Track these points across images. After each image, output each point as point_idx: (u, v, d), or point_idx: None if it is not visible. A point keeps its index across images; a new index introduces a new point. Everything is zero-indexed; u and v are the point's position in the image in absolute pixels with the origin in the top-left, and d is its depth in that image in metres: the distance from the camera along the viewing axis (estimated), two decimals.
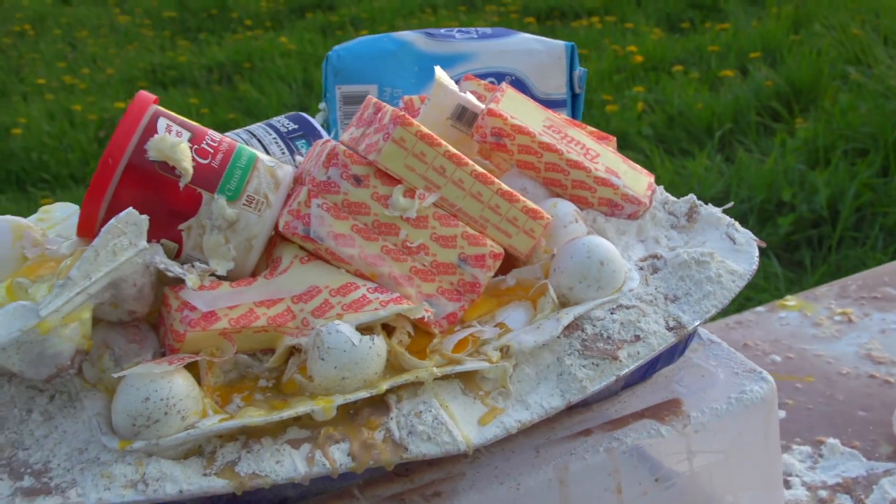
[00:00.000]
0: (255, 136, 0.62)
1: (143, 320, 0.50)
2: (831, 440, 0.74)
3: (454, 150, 0.53)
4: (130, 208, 0.47)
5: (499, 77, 0.70)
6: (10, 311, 0.45)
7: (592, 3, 4.90)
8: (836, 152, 2.51)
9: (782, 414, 0.78)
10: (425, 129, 0.52)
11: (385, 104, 0.53)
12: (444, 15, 5.03)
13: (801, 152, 2.64)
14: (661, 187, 0.62)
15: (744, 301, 1.89)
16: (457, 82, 0.63)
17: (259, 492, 0.48)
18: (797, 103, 3.09)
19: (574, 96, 0.72)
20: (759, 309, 0.95)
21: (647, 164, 2.71)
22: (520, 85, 0.70)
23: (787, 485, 0.70)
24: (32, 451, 0.46)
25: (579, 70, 0.72)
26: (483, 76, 0.69)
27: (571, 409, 0.55)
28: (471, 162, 0.53)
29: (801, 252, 2.29)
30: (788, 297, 0.96)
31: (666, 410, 0.55)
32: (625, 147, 2.94)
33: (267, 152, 0.61)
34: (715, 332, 0.89)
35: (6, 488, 0.44)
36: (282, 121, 0.64)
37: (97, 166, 0.49)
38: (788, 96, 3.13)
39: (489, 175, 0.53)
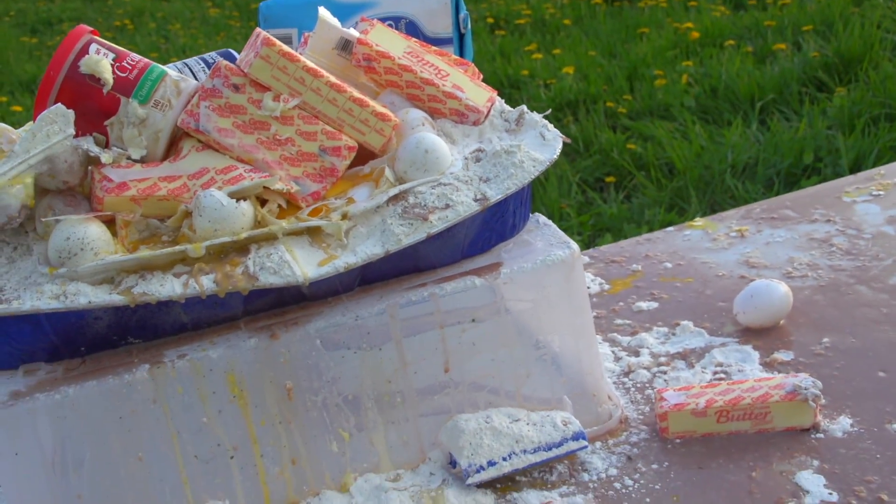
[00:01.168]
0: (188, 65, 0.79)
1: (77, 191, 0.68)
2: (686, 322, 0.87)
3: (312, 65, 0.69)
4: (59, 104, 0.64)
5: (395, 20, 0.85)
6: None
7: None
8: (864, 118, 2.56)
9: (654, 305, 0.92)
10: (286, 48, 0.68)
11: (262, 31, 0.70)
12: None
13: (835, 119, 2.69)
14: (502, 100, 0.77)
15: None
16: (356, 25, 0.79)
17: (161, 319, 0.66)
18: (844, 73, 3.12)
19: (461, 35, 0.86)
20: (670, 228, 1.08)
21: (683, 134, 2.81)
22: (412, 27, 0.85)
23: (637, 354, 0.84)
24: None
25: (463, 13, 0.86)
26: (383, 19, 0.85)
27: (420, 272, 0.71)
28: (326, 74, 0.69)
29: None
30: (697, 218, 1.09)
31: (486, 269, 0.70)
32: (667, 118, 3.04)
33: (195, 77, 0.78)
34: (625, 246, 1.04)
35: None
36: (213, 55, 0.81)
37: (42, 79, 0.67)
38: (837, 67, 3.16)
39: (343, 85, 0.70)
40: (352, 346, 0.67)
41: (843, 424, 0.71)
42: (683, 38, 3.80)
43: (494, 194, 0.68)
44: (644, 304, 0.92)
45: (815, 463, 0.68)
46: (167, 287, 0.63)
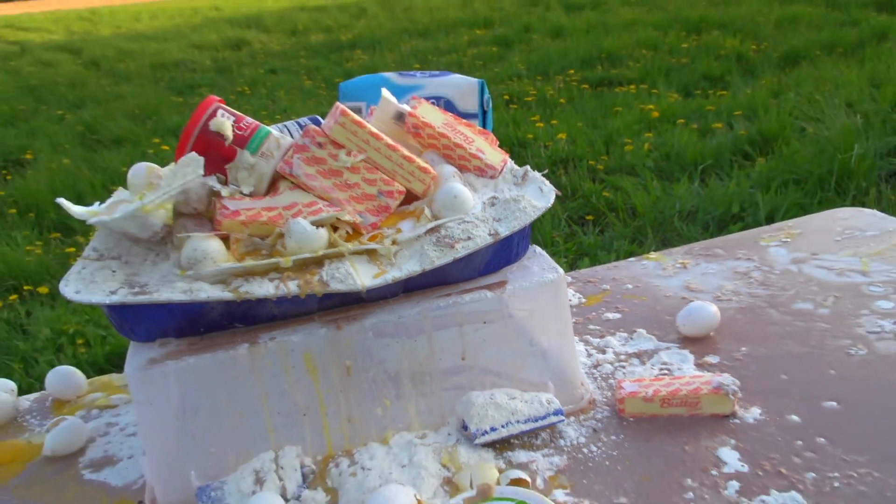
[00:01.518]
0: (286, 126, 0.79)
1: (204, 215, 0.68)
2: (640, 330, 0.86)
3: (374, 130, 0.68)
4: (194, 152, 0.64)
5: (437, 99, 0.85)
6: (125, 204, 0.63)
7: (633, 75, 4.93)
8: (777, 181, 2.52)
9: (618, 316, 0.90)
10: (357, 118, 0.68)
11: (340, 105, 0.69)
12: (526, 82, 5.14)
13: (756, 181, 2.66)
14: (511, 160, 0.76)
15: None
16: (408, 101, 0.79)
17: (257, 311, 0.66)
18: (764, 147, 3.09)
19: (484, 112, 0.86)
20: (632, 259, 1.06)
21: (644, 186, 2.78)
22: (449, 104, 0.85)
23: (604, 352, 0.82)
24: (142, 276, 0.64)
25: (487, 96, 0.86)
26: (428, 98, 0.85)
27: (447, 285, 0.70)
28: (385, 137, 0.69)
29: None
30: (652, 252, 1.07)
31: (495, 285, 0.69)
32: (632, 174, 3.01)
33: (291, 135, 0.78)
34: (598, 271, 1.02)
35: (125, 291, 0.62)
36: (305, 120, 0.81)
37: (182, 133, 0.67)
38: (759, 142, 3.13)
39: (396, 146, 0.69)
40: (395, 336, 0.66)
41: (754, 413, 0.69)
42: (647, 116, 3.78)
43: (504, 231, 0.67)
44: (610, 315, 0.91)
45: (732, 442, 0.66)
46: (263, 288, 0.62)
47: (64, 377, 0.81)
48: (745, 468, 0.62)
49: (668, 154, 3.09)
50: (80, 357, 1.96)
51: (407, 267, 0.65)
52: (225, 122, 0.67)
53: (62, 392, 0.81)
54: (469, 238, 0.66)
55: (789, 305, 0.88)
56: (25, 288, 2.51)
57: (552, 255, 2.35)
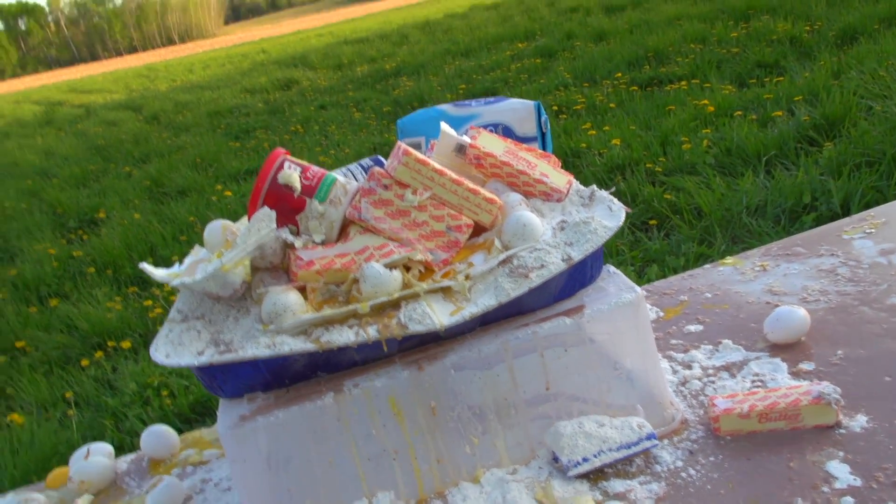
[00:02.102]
0: (350, 170, 0.80)
1: (280, 267, 0.69)
2: (726, 341, 0.83)
3: (438, 167, 0.69)
4: (265, 206, 0.66)
5: (495, 126, 0.85)
6: (204, 264, 0.65)
7: (683, 71, 4.83)
8: (848, 165, 2.42)
9: (700, 328, 0.88)
10: (420, 156, 0.68)
11: (402, 143, 0.70)
12: (574, 90, 5.10)
13: (826, 167, 2.55)
14: (577, 181, 0.75)
15: None
16: (466, 132, 0.79)
17: (339, 358, 0.66)
18: (830, 131, 2.97)
19: (542, 134, 0.85)
20: (707, 266, 1.03)
21: (707, 185, 2.71)
22: (508, 130, 0.84)
23: (690, 367, 0.80)
24: (226, 334, 0.66)
25: (544, 118, 0.85)
26: (486, 126, 0.85)
27: (523, 314, 0.70)
28: (448, 172, 0.69)
29: None
30: (728, 257, 1.04)
31: (573, 311, 0.68)
32: (693, 173, 2.94)
33: (355, 178, 0.80)
34: (672, 282, 1.00)
35: (212, 351, 0.64)
36: (367, 161, 0.82)
37: (253, 189, 0.69)
38: (823, 127, 3.02)
39: (461, 179, 0.69)
40: (477, 371, 0.66)
41: (860, 421, 0.66)
42: (701, 112, 3.68)
43: (577, 255, 0.66)
44: (692, 327, 0.88)
45: (841, 454, 0.63)
46: (344, 336, 0.63)
47: (158, 437, 0.84)
48: (858, 482, 0.59)
49: (728, 149, 3.00)
50: (167, 408, 2.03)
51: (483, 301, 0.64)
52: (292, 174, 0.69)
53: (157, 451, 0.84)
54: (542, 266, 0.65)
55: (883, 301, 0.84)
56: (110, 344, 2.62)
57: (618, 265, 2.31)
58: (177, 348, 0.64)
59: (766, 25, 5.30)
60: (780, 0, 6.07)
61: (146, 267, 0.71)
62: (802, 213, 2.35)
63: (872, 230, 1.00)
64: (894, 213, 1.03)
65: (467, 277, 0.66)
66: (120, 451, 0.90)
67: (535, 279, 0.65)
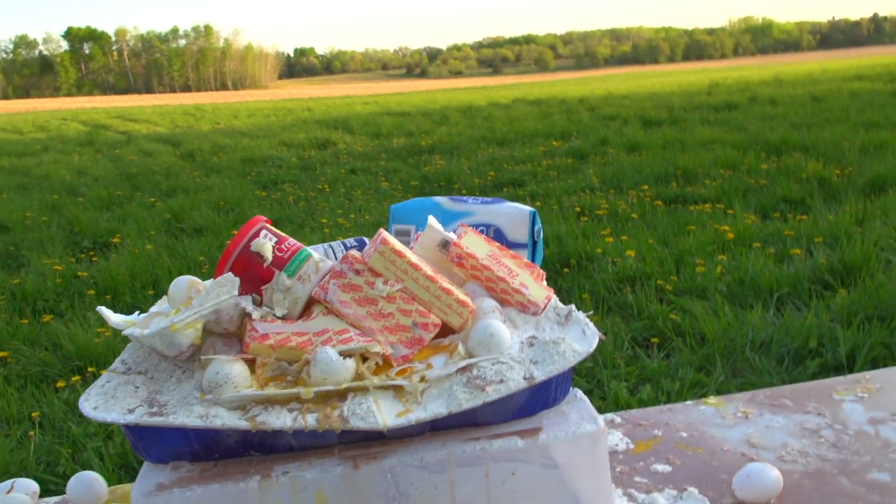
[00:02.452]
0: (332, 247, 0.79)
1: (234, 335, 0.67)
2: (692, 489, 0.78)
3: (415, 261, 0.67)
4: (230, 273, 0.64)
5: (486, 227, 0.83)
6: (159, 318, 0.63)
7: (709, 193, 4.87)
8: (860, 316, 2.37)
9: (668, 469, 0.83)
10: (397, 246, 0.66)
11: (382, 231, 0.68)
12: (599, 194, 5.14)
13: (837, 314, 2.51)
14: (556, 298, 0.73)
15: None
16: (456, 229, 0.77)
17: (274, 441, 0.63)
18: (846, 278, 2.94)
19: (534, 243, 0.83)
20: (688, 402, 0.99)
21: (714, 311, 2.67)
22: (499, 233, 0.83)
23: None
24: (164, 395, 0.63)
25: (538, 227, 0.83)
26: (477, 226, 0.83)
27: (477, 426, 0.66)
28: (423, 267, 0.67)
29: None
30: (711, 397, 1.00)
31: (528, 432, 0.64)
32: (702, 297, 2.90)
33: (335, 256, 0.78)
34: (650, 413, 0.96)
35: (143, 411, 0.61)
36: (351, 241, 0.80)
37: (224, 251, 0.67)
38: (840, 272, 2.99)
39: (435, 276, 0.67)
40: (415, 482, 0.62)
41: None
42: (721, 237, 3.68)
43: (540, 375, 0.63)
44: (660, 467, 0.83)
45: None
46: (281, 419, 0.60)
47: (85, 485, 0.80)
48: None
49: (741, 279, 2.98)
50: (127, 446, 1.97)
51: (433, 408, 0.61)
52: (266, 243, 0.67)
53: (82, 500, 0.79)
54: (502, 381, 0.62)
55: (863, 475, 0.79)
56: (89, 370, 2.58)
57: (612, 378, 2.25)
58: (108, 401, 0.61)
59: (797, 163, 5.37)
60: (815, 140, 6.16)
61: (103, 311, 0.69)
62: (807, 357, 2.30)
63: (865, 395, 0.96)
64: (890, 379, 0.99)
65: (423, 379, 0.63)
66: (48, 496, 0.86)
67: (492, 393, 0.62)
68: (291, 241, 0.70)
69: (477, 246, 0.73)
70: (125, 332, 0.65)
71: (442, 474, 0.62)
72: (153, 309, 0.73)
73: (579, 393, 0.71)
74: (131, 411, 0.60)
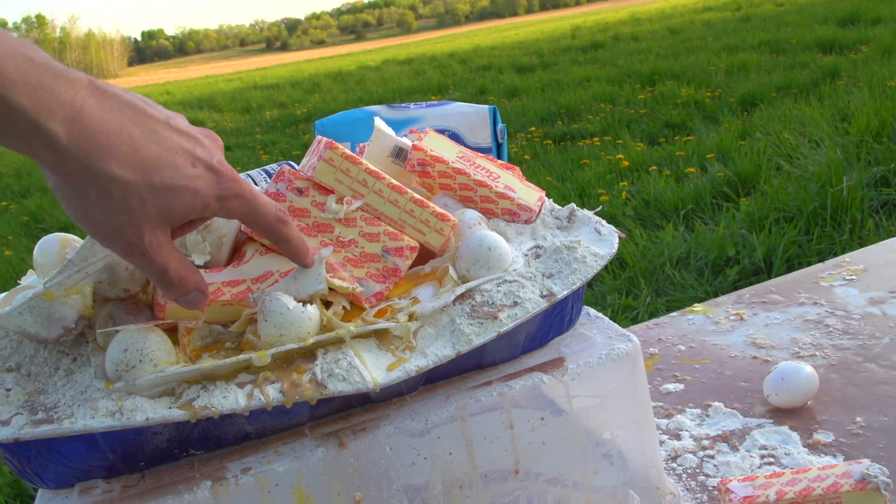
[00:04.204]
0: (250, 176, 0.61)
1: (140, 298, 0.48)
2: (716, 403, 0.68)
3: (373, 168, 0.50)
4: None
5: (440, 132, 0.68)
6: (27, 291, 0.43)
7: (594, 128, 4.90)
8: (769, 220, 2.41)
9: (680, 387, 0.72)
10: (348, 151, 0.50)
11: (323, 138, 0.51)
12: None
13: (744, 222, 2.54)
14: (550, 199, 0.59)
15: None
16: (405, 136, 0.61)
17: (224, 430, 0.46)
18: (742, 188, 2.99)
19: (498, 145, 0.69)
20: (673, 314, 0.89)
21: (629, 236, 2.65)
22: (455, 138, 0.68)
23: (678, 437, 0.64)
24: (49, 394, 0.44)
25: (500, 125, 0.69)
26: None
27: (482, 368, 0.51)
28: (387, 176, 0.51)
29: None
30: (696, 304, 0.90)
31: (551, 365, 0.50)
32: (613, 224, 2.88)
33: (255, 184, 0.60)
34: (636, 331, 0.85)
35: (23, 420, 0.42)
36: (273, 166, 0.63)
37: None
38: (736, 184, 3.04)
39: (403, 187, 0.51)
40: (422, 451, 0.47)
41: None
42: (616, 165, 3.68)
43: (560, 290, 0.49)
44: (671, 386, 0.72)
45: None
46: (230, 399, 0.43)
47: None
48: None
49: (646, 201, 2.97)
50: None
51: (435, 351, 0.46)
52: None
53: None
54: (516, 303, 0.48)
55: (891, 357, 0.71)
56: None
57: None
58: None
59: (671, 90, 5.49)
60: (683, 68, 6.35)
61: None
62: (725, 266, 2.31)
63: (853, 277, 0.89)
64: (872, 259, 0.93)
65: (411, 317, 0.47)
66: None
67: (507, 321, 0.47)
68: None
69: (443, 148, 0.57)
70: None
71: (454, 435, 0.47)
72: (18, 286, 0.53)
73: (592, 311, 0.58)
74: (5, 423, 0.41)
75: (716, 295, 2.17)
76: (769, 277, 2.18)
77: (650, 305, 2.17)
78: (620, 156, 3.79)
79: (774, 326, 0.81)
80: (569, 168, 3.89)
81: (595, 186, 3.40)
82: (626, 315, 2.14)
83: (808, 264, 2.22)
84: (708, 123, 4.48)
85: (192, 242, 0.49)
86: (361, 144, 0.61)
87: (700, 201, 2.89)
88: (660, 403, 0.70)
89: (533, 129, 5.12)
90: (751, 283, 2.19)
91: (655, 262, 2.40)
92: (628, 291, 2.27)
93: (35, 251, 0.51)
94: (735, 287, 2.20)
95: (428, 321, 0.47)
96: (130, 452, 0.44)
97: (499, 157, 0.69)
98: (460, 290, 0.48)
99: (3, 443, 0.41)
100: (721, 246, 2.36)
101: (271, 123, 7.79)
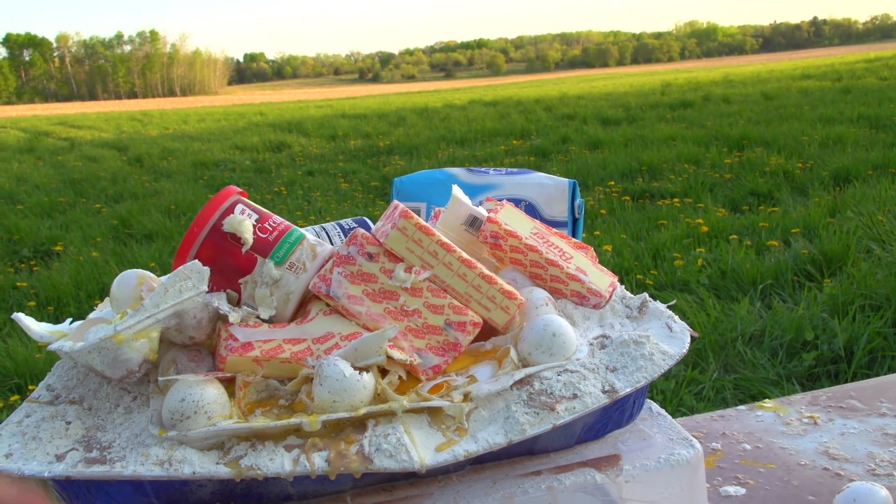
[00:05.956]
0: (325, 229, 0.62)
1: (204, 346, 0.49)
2: None
3: (446, 240, 0.50)
4: (196, 260, 0.46)
5: (517, 202, 0.67)
6: (99, 326, 0.45)
7: (675, 188, 4.81)
8: (854, 307, 2.29)
9: (742, 491, 0.68)
10: (423, 222, 0.50)
11: (400, 203, 0.52)
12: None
13: (826, 305, 2.42)
14: (622, 286, 0.57)
15: None
16: (481, 203, 0.61)
17: (267, 490, 0.46)
18: (827, 268, 2.86)
19: (574, 220, 0.68)
20: (741, 407, 0.84)
21: (701, 306, 2.56)
22: (532, 209, 0.67)
23: None
24: (107, 432, 0.45)
25: (579, 200, 0.68)
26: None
27: (533, 456, 0.50)
28: (458, 249, 0.50)
29: (822, 383, 2.08)
30: (766, 400, 0.85)
31: (605, 462, 0.48)
32: (685, 291, 2.80)
33: (330, 241, 0.61)
34: (700, 422, 0.81)
35: (77, 457, 0.43)
36: (349, 221, 0.63)
37: (186, 233, 0.50)
38: (821, 262, 2.91)
39: (473, 261, 0.51)
40: None
41: None
42: (695, 230, 3.59)
43: (623, 387, 0.47)
44: (731, 489, 0.68)
45: None
46: (277, 462, 0.42)
47: None
48: None
49: (722, 271, 2.88)
50: None
51: (486, 436, 0.45)
52: (244, 220, 0.50)
53: None
54: (575, 396, 0.46)
55: None
56: (30, 388, 2.33)
57: None
58: (27, 444, 0.43)
59: (760, 157, 5.35)
60: (774, 135, 6.19)
61: (21, 318, 0.50)
62: (801, 349, 2.20)
63: None
64: None
65: (466, 397, 0.46)
66: None
67: (564, 413, 0.45)
68: (277, 218, 0.53)
69: (517, 222, 0.57)
70: (51, 347, 0.47)
71: None
72: (92, 315, 0.55)
73: (655, 406, 0.55)
74: (60, 458, 0.42)
75: (788, 379, 2.07)
76: (848, 367, 2.06)
77: (717, 381, 2.08)
78: (700, 220, 3.70)
79: (851, 436, 0.75)
80: (645, 227, 3.81)
81: (671, 249, 3.31)
82: (689, 389, 2.06)
83: (893, 358, 2.09)
84: (796, 196, 4.33)
85: (259, 296, 0.49)
86: (437, 209, 0.61)
87: (780, 277, 2.77)
88: None
89: (612, 183, 5.07)
90: (827, 371, 2.08)
91: (727, 336, 2.31)
92: (695, 364, 2.19)
93: (113, 285, 0.53)
94: (810, 373, 2.09)
95: (483, 403, 0.46)
96: (174, 500, 0.44)
97: (574, 232, 0.68)
98: (519, 374, 0.47)
99: (56, 478, 0.42)
100: (799, 328, 2.25)
101: (354, 152, 7.99)
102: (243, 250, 0.49)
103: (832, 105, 8.08)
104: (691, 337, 0.51)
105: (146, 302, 0.45)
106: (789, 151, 5.48)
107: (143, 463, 0.42)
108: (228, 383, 0.46)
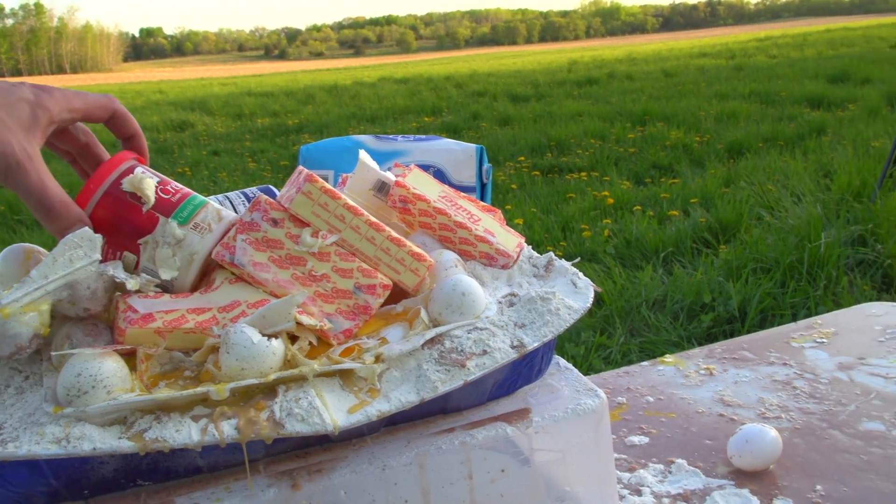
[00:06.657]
0: (228, 198, 0.60)
1: (101, 319, 0.47)
2: (680, 460, 0.67)
3: (352, 203, 0.50)
4: (86, 228, 0.44)
5: (425, 168, 0.67)
6: None
7: (583, 163, 4.94)
8: (746, 270, 2.43)
9: (645, 440, 0.72)
10: (328, 185, 0.49)
11: (305, 168, 0.51)
12: None
13: (722, 269, 2.56)
14: (529, 246, 0.58)
15: None
16: (389, 169, 0.61)
17: (175, 463, 0.44)
18: (723, 235, 3.02)
19: (482, 185, 0.69)
20: (644, 363, 0.88)
21: (608, 274, 2.65)
22: (440, 174, 0.67)
23: (639, 493, 0.63)
24: None
25: (487, 165, 0.69)
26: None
27: (446, 413, 0.51)
28: (365, 212, 0.50)
29: (717, 341, 2.21)
30: (667, 355, 0.90)
31: (515, 416, 0.50)
32: (593, 261, 2.89)
33: (234, 210, 0.59)
34: (607, 378, 0.84)
35: None
36: (253, 190, 0.62)
37: (80, 191, 0.47)
38: (717, 230, 3.07)
39: (381, 224, 0.51)
40: (378, 498, 0.45)
41: None
42: (601, 202, 3.71)
43: (531, 341, 0.48)
44: (636, 439, 0.72)
45: None
46: (183, 433, 0.41)
47: None
48: None
49: (628, 241, 2.99)
50: None
51: (398, 396, 0.45)
52: (146, 178, 0.48)
53: None
54: (485, 352, 0.47)
55: (855, 426, 0.71)
56: None
57: None
58: None
59: (661, 132, 5.56)
60: (674, 111, 6.44)
61: None
62: (700, 311, 2.32)
63: (824, 340, 0.89)
64: (844, 323, 0.93)
65: (378, 359, 0.46)
66: None
67: (475, 370, 0.46)
68: (178, 184, 0.51)
69: (426, 186, 0.57)
70: None
71: (412, 483, 0.46)
72: None
73: (562, 361, 0.57)
74: None
75: (689, 340, 2.18)
76: (742, 326, 2.19)
77: (623, 345, 2.18)
78: (606, 193, 3.82)
79: (743, 384, 0.81)
80: (554, 201, 3.91)
81: (579, 221, 3.42)
82: (598, 354, 2.14)
83: (781, 317, 2.24)
84: (694, 168, 4.54)
85: (161, 257, 0.48)
86: (345, 175, 0.60)
87: (680, 245, 2.91)
88: (623, 456, 0.69)
89: (522, 158, 5.16)
90: (723, 331, 2.20)
91: (632, 302, 2.41)
92: (603, 329, 2.27)
93: None
94: (708, 333, 2.22)
95: (394, 364, 0.47)
96: (75, 480, 0.42)
97: (482, 197, 0.69)
98: (430, 334, 0.47)
99: None
100: (698, 291, 2.37)
101: (262, 131, 7.77)
102: (144, 209, 0.47)
103: (726, 82, 8.48)
104: (595, 292, 0.53)
105: (33, 273, 0.42)
106: (688, 126, 5.73)
107: (38, 442, 0.40)
108: (129, 357, 0.45)
